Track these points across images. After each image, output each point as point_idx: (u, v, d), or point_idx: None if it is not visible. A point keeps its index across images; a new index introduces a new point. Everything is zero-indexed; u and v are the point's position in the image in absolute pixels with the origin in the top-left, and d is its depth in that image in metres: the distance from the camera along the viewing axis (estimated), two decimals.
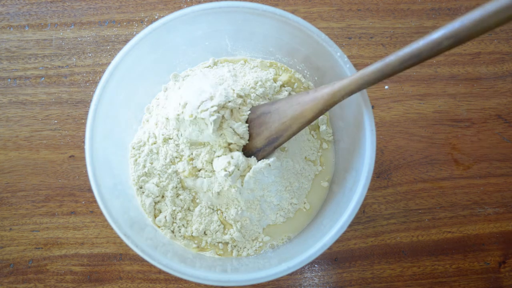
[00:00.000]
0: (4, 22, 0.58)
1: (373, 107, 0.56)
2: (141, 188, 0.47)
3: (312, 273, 0.53)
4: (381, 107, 0.56)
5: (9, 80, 0.56)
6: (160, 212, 0.46)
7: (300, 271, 0.53)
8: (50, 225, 0.53)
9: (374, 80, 0.34)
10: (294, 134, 0.41)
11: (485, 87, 0.57)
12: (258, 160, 0.44)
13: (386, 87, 0.57)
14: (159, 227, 0.46)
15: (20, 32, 0.57)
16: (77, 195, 0.54)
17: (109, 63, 0.42)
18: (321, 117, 0.49)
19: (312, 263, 0.53)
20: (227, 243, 0.46)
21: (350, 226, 0.54)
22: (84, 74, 0.57)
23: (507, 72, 0.58)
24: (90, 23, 0.58)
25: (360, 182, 0.39)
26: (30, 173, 0.54)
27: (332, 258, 0.53)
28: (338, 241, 0.54)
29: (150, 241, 0.41)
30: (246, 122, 0.43)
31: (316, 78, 0.48)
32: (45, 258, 0.53)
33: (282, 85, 0.49)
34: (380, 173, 0.55)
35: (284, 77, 0.49)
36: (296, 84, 0.49)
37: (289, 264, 0.38)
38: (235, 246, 0.46)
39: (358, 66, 0.57)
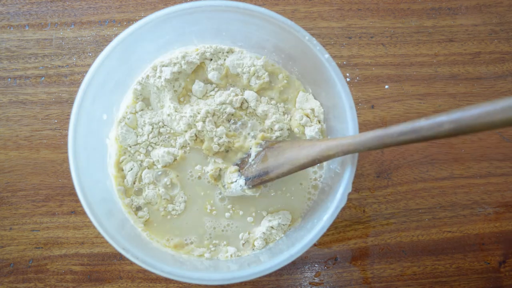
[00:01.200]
0: (4, 22, 0.58)
1: (373, 107, 0.56)
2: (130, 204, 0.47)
3: (312, 272, 0.53)
4: (381, 106, 0.56)
5: (9, 79, 0.56)
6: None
7: (301, 271, 0.53)
8: (50, 224, 0.53)
9: (372, 147, 0.34)
10: (283, 175, 0.42)
11: (485, 86, 0.57)
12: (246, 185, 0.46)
13: (387, 86, 0.57)
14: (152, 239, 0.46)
15: (20, 32, 0.57)
16: (77, 194, 0.54)
17: None
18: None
19: (312, 263, 0.53)
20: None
21: (350, 226, 0.54)
22: (84, 74, 0.56)
23: (507, 71, 0.58)
24: (90, 22, 0.58)
25: (346, 174, 0.40)
26: (30, 172, 0.54)
27: (332, 257, 0.53)
28: (338, 240, 0.54)
29: (149, 251, 0.42)
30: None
31: (295, 68, 0.48)
32: (45, 257, 0.53)
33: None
34: (380, 173, 0.55)
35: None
36: (270, 67, 0.49)
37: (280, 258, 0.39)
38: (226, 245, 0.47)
39: (358, 66, 0.57)
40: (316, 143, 0.39)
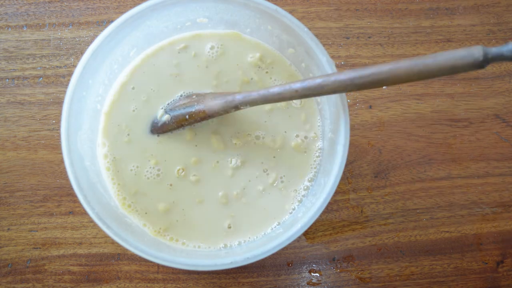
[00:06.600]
0: (2, 22, 0.58)
1: (371, 107, 0.56)
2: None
3: (310, 273, 0.53)
4: (379, 106, 0.56)
5: (7, 80, 0.56)
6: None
7: (298, 271, 0.53)
8: (48, 225, 0.53)
9: (272, 100, 0.39)
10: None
11: (483, 86, 0.57)
12: None
13: (384, 86, 0.57)
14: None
15: (18, 32, 0.57)
16: (75, 195, 0.54)
17: None
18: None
19: (310, 263, 0.53)
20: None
21: (348, 226, 0.54)
22: None
23: (505, 71, 0.58)
24: (88, 23, 0.58)
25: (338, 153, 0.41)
26: (28, 173, 0.54)
27: (330, 258, 0.53)
28: (336, 240, 0.54)
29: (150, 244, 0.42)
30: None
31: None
32: (43, 258, 0.53)
33: None
34: (378, 173, 0.55)
35: None
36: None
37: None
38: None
39: (356, 66, 0.57)
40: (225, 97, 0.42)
